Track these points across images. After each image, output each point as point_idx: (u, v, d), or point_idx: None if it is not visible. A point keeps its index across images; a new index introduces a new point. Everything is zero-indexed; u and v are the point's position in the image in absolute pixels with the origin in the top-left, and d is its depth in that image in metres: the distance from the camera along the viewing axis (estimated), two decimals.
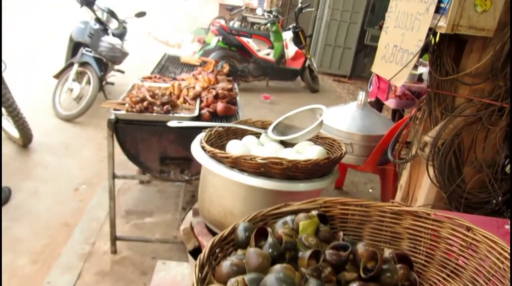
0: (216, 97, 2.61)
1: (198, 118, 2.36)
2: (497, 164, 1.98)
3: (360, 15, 8.03)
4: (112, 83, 5.28)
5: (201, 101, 2.57)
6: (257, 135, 1.46)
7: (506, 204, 1.98)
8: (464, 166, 2.02)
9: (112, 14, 4.90)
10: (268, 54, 6.33)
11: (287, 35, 6.56)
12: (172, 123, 1.51)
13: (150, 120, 2.29)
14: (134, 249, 2.65)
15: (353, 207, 0.92)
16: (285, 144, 1.40)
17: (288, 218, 0.81)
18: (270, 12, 6.93)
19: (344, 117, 3.08)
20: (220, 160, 1.15)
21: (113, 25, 4.97)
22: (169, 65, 3.71)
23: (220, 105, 2.46)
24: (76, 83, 4.59)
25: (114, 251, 2.59)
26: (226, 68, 3.07)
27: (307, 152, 1.24)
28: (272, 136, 1.39)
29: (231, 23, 10.34)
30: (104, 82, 4.91)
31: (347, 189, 3.78)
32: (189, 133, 1.85)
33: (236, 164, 1.11)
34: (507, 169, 2.05)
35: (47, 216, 2.96)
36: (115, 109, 2.28)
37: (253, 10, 11.53)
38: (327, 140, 1.44)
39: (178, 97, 2.63)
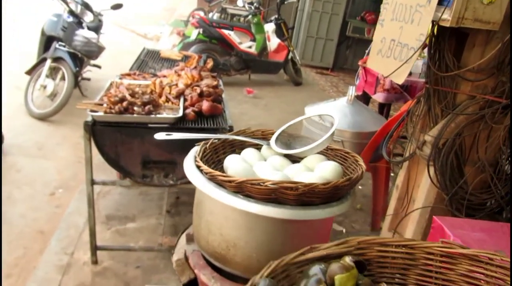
0: (201, 95, 2.45)
1: (183, 119, 2.20)
2: (499, 164, 1.90)
3: (342, 6, 7.93)
4: (89, 79, 5.04)
5: (185, 100, 2.41)
6: (258, 147, 1.29)
7: (508, 204, 1.90)
8: (465, 166, 1.93)
9: (86, 6, 4.64)
10: (250, 47, 6.17)
11: (269, 27, 6.40)
12: (159, 136, 1.35)
13: (131, 122, 2.12)
14: (116, 258, 2.49)
15: (394, 248, 0.78)
16: (291, 156, 1.23)
17: (317, 269, 0.66)
18: (251, 3, 6.76)
19: (333, 114, 2.95)
20: (220, 183, 0.99)
21: (88, 18, 4.71)
22: (148, 61, 3.52)
23: (205, 105, 2.30)
24: (50, 80, 4.35)
25: (95, 262, 2.42)
26: (210, 63, 2.90)
27: (320, 168, 1.09)
28: (276, 149, 1.23)
29: (210, 15, 10.10)
30: (79, 78, 4.67)
31: None
32: None
33: (241, 188, 0.95)
34: (507, 168, 1.97)
35: (21, 224, 2.77)
36: (92, 111, 2.11)
37: (233, 2, 11.30)
38: (339, 153, 1.29)
39: (160, 96, 2.47)
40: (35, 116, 4.28)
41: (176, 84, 2.56)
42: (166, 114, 2.18)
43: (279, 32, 6.46)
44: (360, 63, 4.14)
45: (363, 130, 2.87)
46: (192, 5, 15.30)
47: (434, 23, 1.72)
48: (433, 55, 1.94)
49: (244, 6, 6.96)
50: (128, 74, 2.85)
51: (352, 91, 3.02)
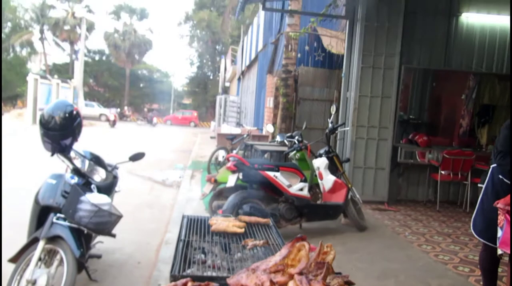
0: None
1: None
2: None
3: (389, 131, 6.90)
4: (99, 256, 3.64)
5: None
6: None
7: None
8: None
9: (97, 161, 3.47)
10: (301, 190, 4.89)
11: (320, 163, 5.20)
12: None
13: None
14: None
15: None
16: None
17: None
18: (291, 137, 5.70)
19: None
20: None
21: (98, 175, 3.49)
22: (193, 240, 2.18)
23: None
24: (42, 270, 2.96)
25: None
26: (331, 254, 1.53)
27: None
28: None
29: (234, 153, 9.17)
30: (86, 257, 3.29)
31: None
32: None
33: None
34: None
35: None
36: None
37: (255, 138, 10.52)
38: None
39: None
40: None
41: None
42: None
43: (332, 168, 5.26)
44: (500, 205, 2.77)
45: None
46: (207, 144, 14.64)
47: None
48: None
49: (283, 141, 5.90)
50: None
51: None
